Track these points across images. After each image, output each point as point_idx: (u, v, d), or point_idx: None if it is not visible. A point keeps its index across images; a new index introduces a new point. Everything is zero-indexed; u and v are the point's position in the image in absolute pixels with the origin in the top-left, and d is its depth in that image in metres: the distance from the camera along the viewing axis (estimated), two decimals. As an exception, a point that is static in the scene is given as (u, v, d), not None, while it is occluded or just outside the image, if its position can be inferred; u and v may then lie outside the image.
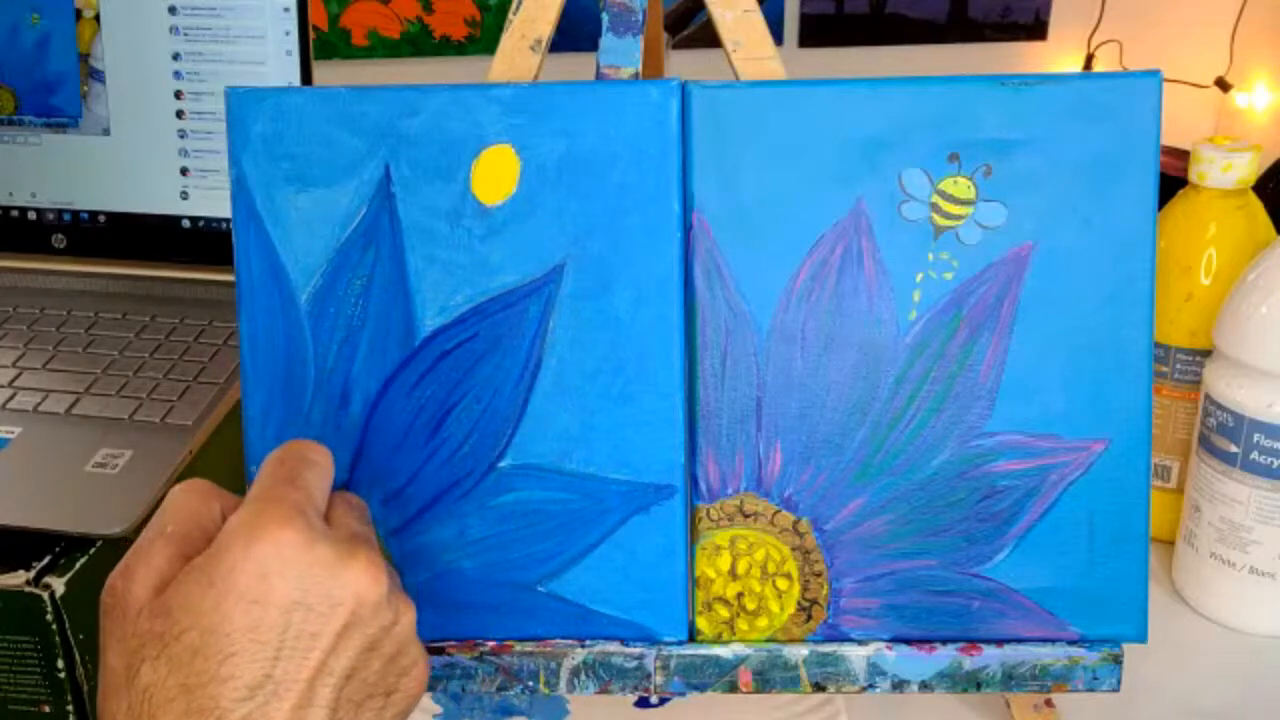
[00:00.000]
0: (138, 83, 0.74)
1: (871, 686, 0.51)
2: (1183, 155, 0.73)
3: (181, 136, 0.74)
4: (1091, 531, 0.51)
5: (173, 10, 0.73)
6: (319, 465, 0.43)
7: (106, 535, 0.56)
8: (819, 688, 0.52)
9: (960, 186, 0.50)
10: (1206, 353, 0.67)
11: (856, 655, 0.51)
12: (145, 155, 0.75)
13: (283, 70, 0.72)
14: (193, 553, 0.39)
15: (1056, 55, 2.21)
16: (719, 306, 0.51)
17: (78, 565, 0.55)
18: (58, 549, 0.56)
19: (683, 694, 0.52)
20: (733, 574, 0.52)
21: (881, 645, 0.51)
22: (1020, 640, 0.51)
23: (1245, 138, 0.68)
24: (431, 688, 0.52)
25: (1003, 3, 2.18)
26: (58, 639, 0.54)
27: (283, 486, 0.40)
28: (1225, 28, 2.12)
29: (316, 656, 0.37)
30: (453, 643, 0.52)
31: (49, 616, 0.54)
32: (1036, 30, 2.21)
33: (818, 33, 2.18)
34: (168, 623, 0.37)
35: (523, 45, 0.54)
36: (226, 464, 0.64)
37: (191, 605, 0.36)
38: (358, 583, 0.39)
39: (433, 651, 0.52)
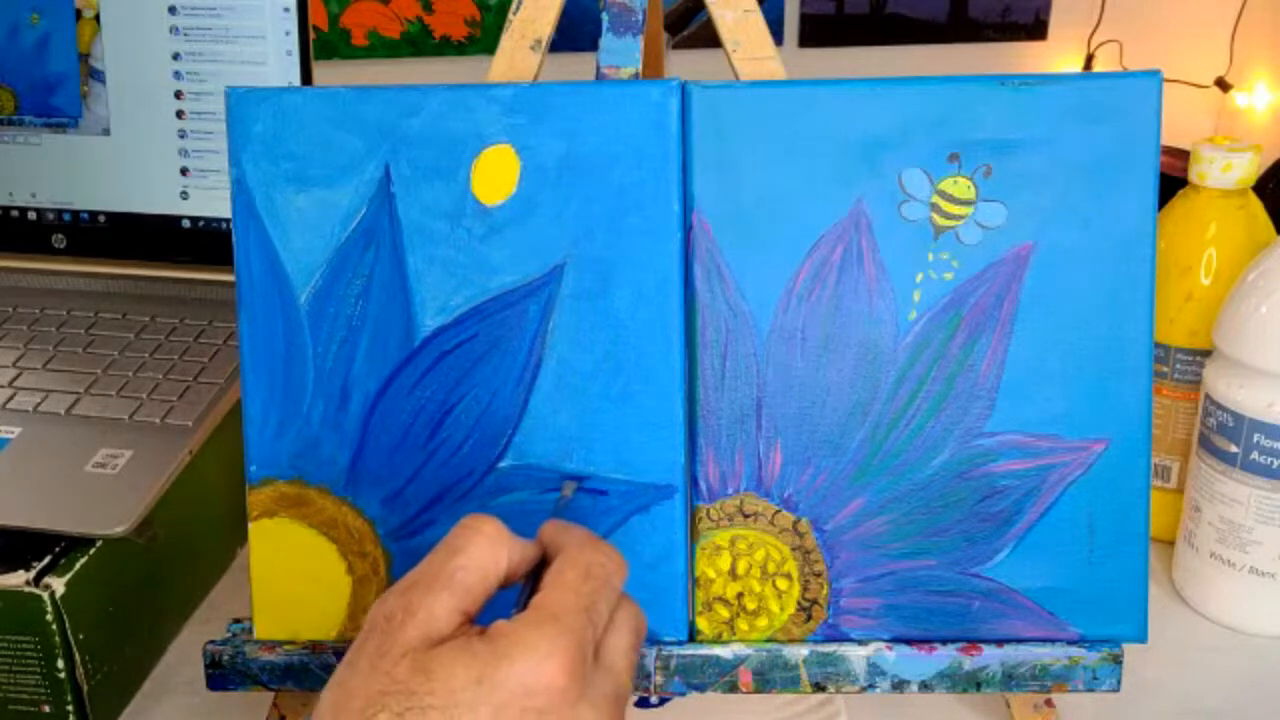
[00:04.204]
0: (138, 83, 0.74)
1: (871, 686, 0.51)
2: (1183, 155, 0.73)
3: (181, 136, 0.74)
4: (1091, 531, 0.51)
5: (173, 10, 0.73)
6: (617, 587, 0.41)
7: (106, 535, 0.56)
8: (819, 688, 0.52)
9: (960, 186, 0.50)
10: (1206, 353, 0.67)
11: (856, 655, 0.51)
12: (145, 155, 0.75)
13: (283, 70, 0.72)
14: (471, 608, 0.39)
15: (1056, 55, 2.21)
16: (719, 307, 0.51)
17: (78, 565, 0.55)
18: (58, 549, 0.56)
19: (683, 694, 0.52)
20: (733, 574, 0.52)
21: (881, 645, 0.51)
22: (1020, 640, 0.51)
23: (1245, 138, 0.68)
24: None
25: (1003, 3, 2.18)
26: (58, 639, 0.54)
27: (580, 615, 0.39)
28: (1225, 28, 2.12)
29: None
30: (453, 643, 0.52)
31: (49, 616, 0.54)
32: (1036, 30, 2.21)
33: (818, 33, 2.18)
34: (423, 684, 0.36)
35: (523, 45, 0.54)
36: (226, 464, 0.64)
37: (452, 686, 0.36)
38: None
39: (433, 651, 0.52)
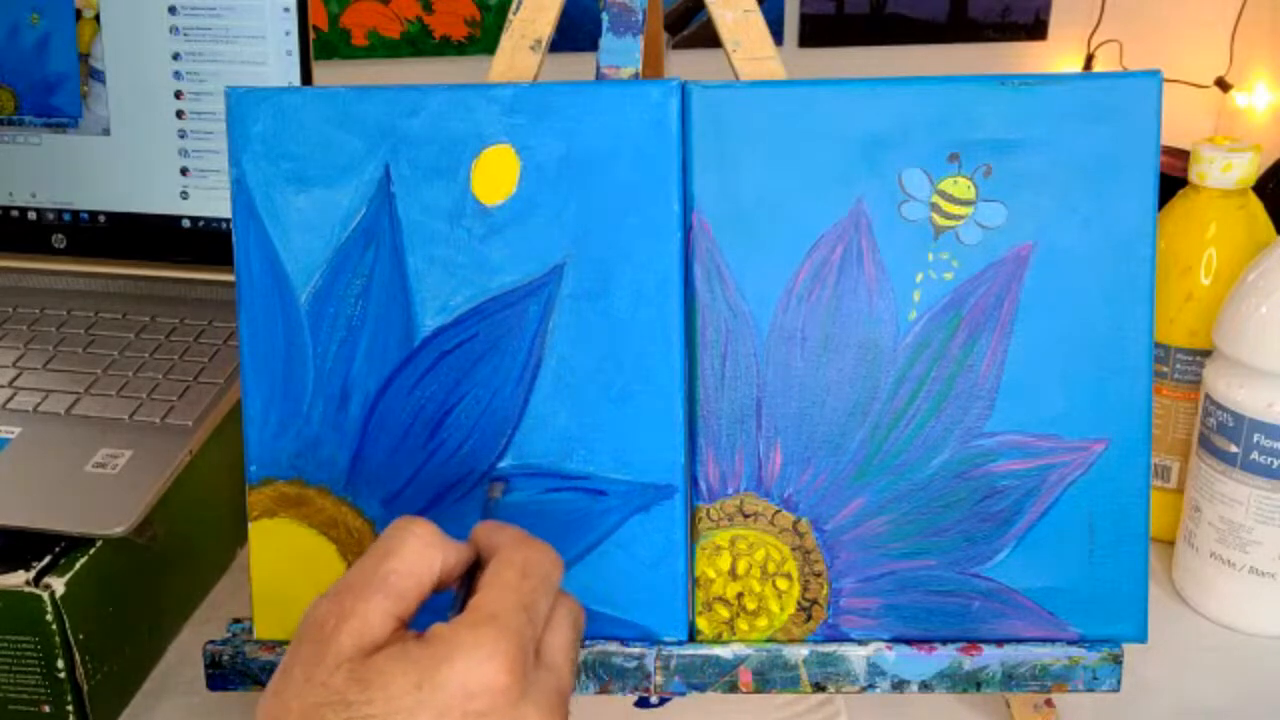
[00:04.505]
0: (138, 83, 0.74)
1: (871, 686, 0.51)
2: (1183, 155, 0.73)
3: (181, 136, 0.74)
4: (1091, 531, 0.51)
5: (173, 10, 0.73)
6: (555, 583, 0.41)
7: (106, 535, 0.56)
8: (819, 688, 0.52)
9: (960, 186, 0.50)
10: (1206, 353, 0.67)
11: (856, 655, 0.51)
12: (145, 155, 0.75)
13: (283, 70, 0.72)
14: (405, 613, 0.38)
15: (1056, 55, 2.21)
16: (719, 306, 0.51)
17: (78, 565, 0.55)
18: (58, 549, 0.56)
19: (683, 694, 0.52)
20: (733, 574, 0.52)
21: (881, 645, 0.51)
22: (1020, 640, 0.51)
23: (1245, 138, 0.68)
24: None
25: (1003, 3, 2.18)
26: (58, 639, 0.54)
27: (519, 614, 0.38)
28: (1225, 28, 2.12)
29: None
30: (453, 643, 0.52)
31: (49, 616, 0.54)
32: (1036, 30, 2.21)
33: (818, 33, 2.18)
34: (361, 694, 0.36)
35: (523, 45, 0.54)
36: (226, 464, 0.64)
37: (390, 693, 0.36)
38: None
39: (433, 651, 0.52)
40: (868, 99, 0.50)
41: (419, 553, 0.39)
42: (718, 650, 0.52)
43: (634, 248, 0.50)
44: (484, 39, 2.13)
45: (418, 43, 2.14)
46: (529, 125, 0.50)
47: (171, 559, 0.63)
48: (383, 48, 2.14)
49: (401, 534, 0.40)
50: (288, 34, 0.72)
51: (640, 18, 0.53)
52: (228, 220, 0.74)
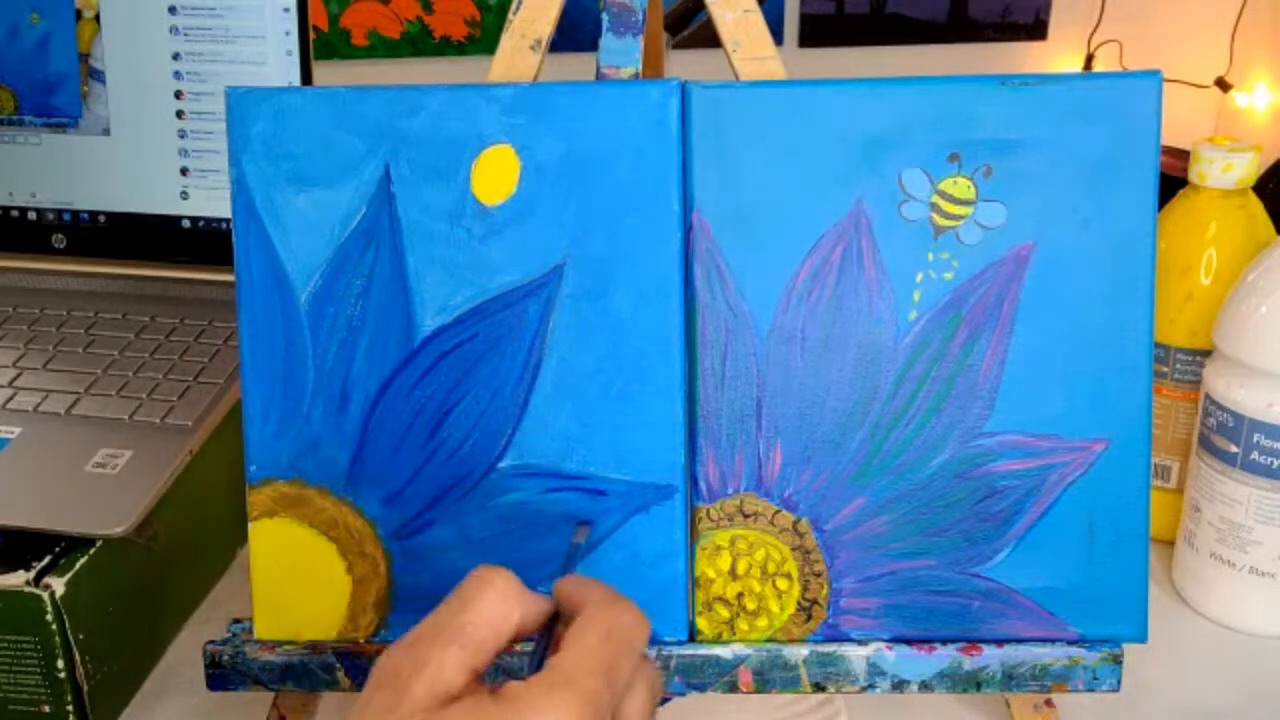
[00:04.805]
0: (138, 83, 0.74)
1: (871, 686, 0.51)
2: (1183, 155, 0.73)
3: (181, 136, 0.74)
4: (1091, 531, 0.51)
5: (173, 10, 0.73)
6: (639, 648, 0.40)
7: (106, 535, 0.56)
8: (819, 688, 0.52)
9: (960, 186, 0.50)
10: (1206, 353, 0.67)
11: (856, 655, 0.51)
12: (145, 155, 0.75)
13: (283, 70, 0.72)
14: (480, 664, 0.38)
15: (1056, 55, 2.21)
16: (719, 306, 0.51)
17: (78, 565, 0.55)
18: (58, 549, 0.56)
19: (683, 694, 0.52)
20: (733, 574, 0.52)
21: (881, 645, 0.51)
22: (1020, 640, 0.51)
23: (1245, 138, 0.68)
24: (431, 688, 0.52)
25: (1003, 3, 2.18)
26: (58, 639, 0.54)
27: (599, 679, 0.37)
28: (1225, 28, 2.12)
29: None
30: (453, 643, 0.52)
31: (49, 616, 0.54)
32: (1036, 30, 2.21)
33: (818, 33, 2.18)
34: None
35: (523, 45, 0.54)
36: (226, 464, 0.64)
37: None
38: None
39: (433, 651, 0.52)
40: (868, 99, 0.50)
41: (496, 604, 0.39)
42: (718, 650, 0.52)
43: (634, 248, 0.50)
44: (484, 39, 2.13)
45: (418, 43, 2.14)
46: (529, 125, 0.50)
47: (171, 559, 0.63)
48: (383, 48, 2.14)
49: (479, 584, 0.39)
50: (288, 34, 0.72)
51: (640, 18, 0.53)
52: (228, 220, 0.74)
